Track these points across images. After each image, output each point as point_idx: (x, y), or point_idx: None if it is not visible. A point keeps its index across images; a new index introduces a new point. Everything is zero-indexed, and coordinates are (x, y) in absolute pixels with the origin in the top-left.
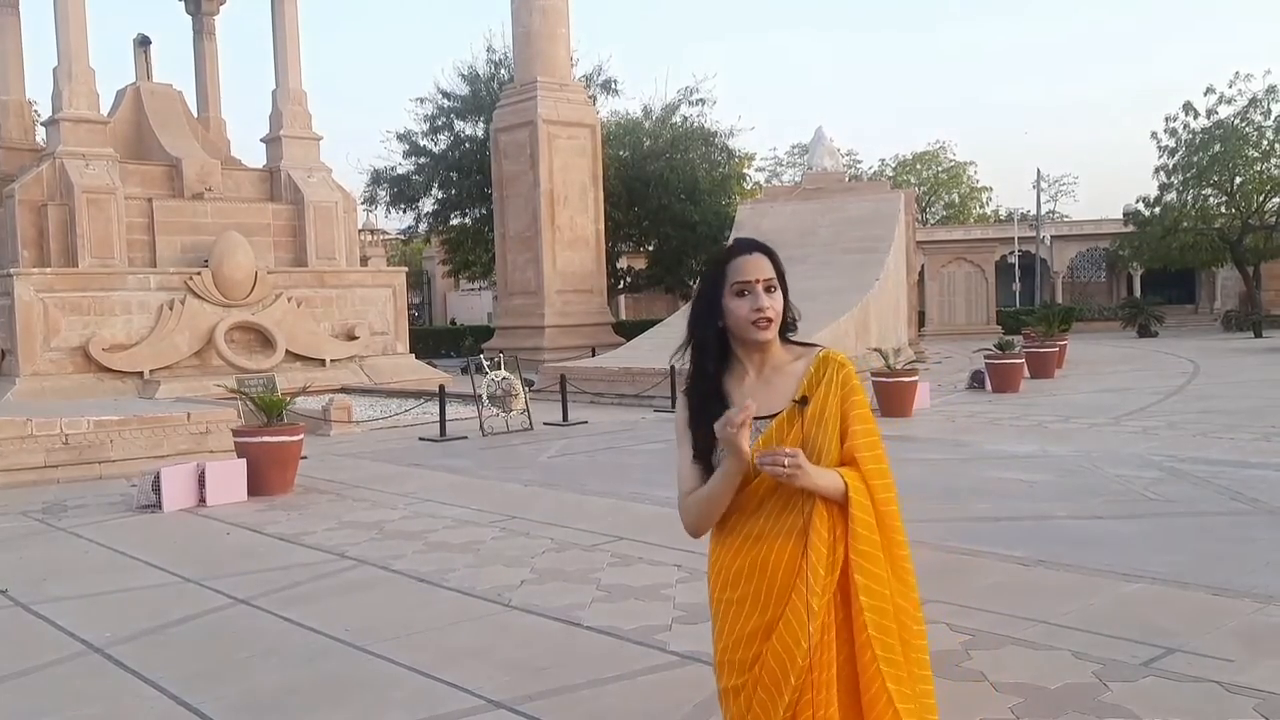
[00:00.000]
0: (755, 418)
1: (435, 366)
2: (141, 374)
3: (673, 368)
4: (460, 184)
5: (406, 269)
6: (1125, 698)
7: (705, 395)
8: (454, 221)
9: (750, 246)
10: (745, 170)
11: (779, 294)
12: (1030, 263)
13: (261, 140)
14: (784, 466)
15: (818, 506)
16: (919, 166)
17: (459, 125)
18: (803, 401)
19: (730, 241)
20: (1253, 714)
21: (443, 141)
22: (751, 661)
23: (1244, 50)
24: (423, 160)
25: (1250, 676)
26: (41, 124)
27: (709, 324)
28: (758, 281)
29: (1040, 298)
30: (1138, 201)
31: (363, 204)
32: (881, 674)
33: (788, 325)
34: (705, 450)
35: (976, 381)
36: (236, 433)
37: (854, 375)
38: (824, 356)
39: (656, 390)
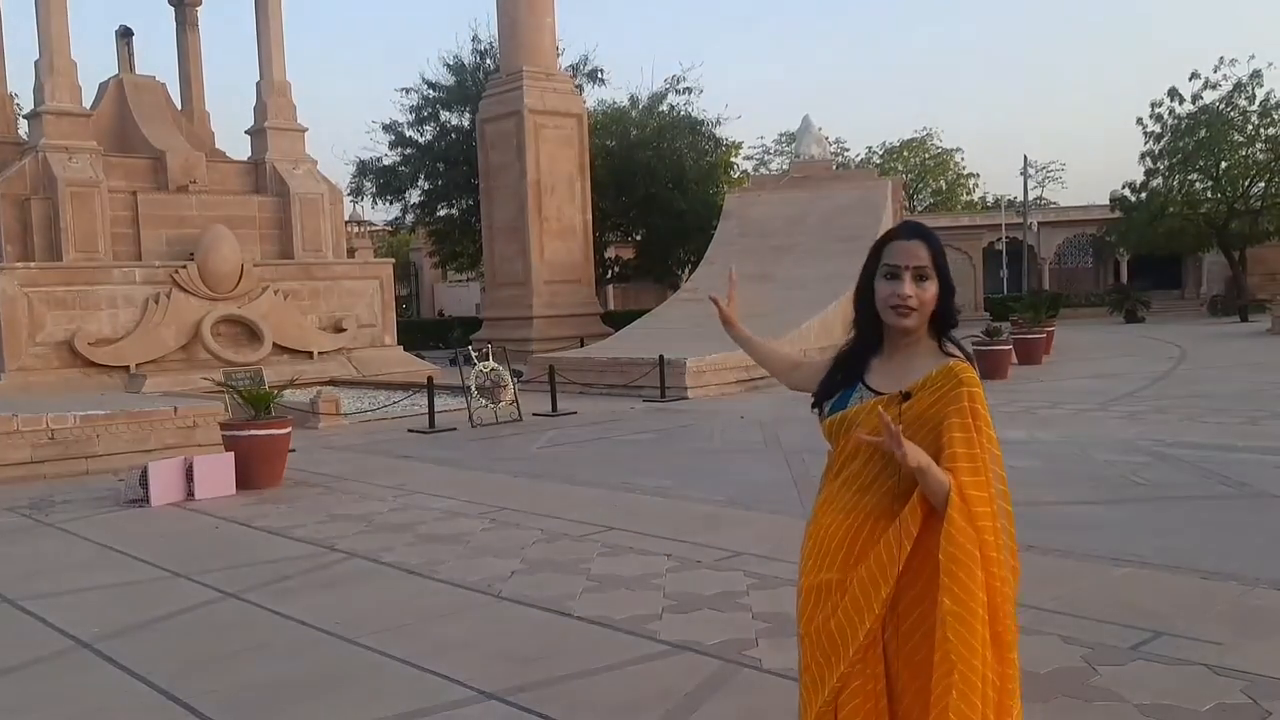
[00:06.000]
0: (872, 389)
1: (423, 358)
2: (128, 368)
3: (661, 357)
4: (447, 175)
5: (394, 261)
6: (1114, 681)
7: (845, 358)
8: (441, 212)
9: (910, 232)
10: (733, 159)
11: (931, 284)
12: (1017, 249)
13: (246, 132)
14: (887, 437)
15: (914, 500)
16: (906, 154)
17: (445, 116)
18: (905, 395)
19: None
20: (1240, 696)
21: (429, 132)
22: (821, 618)
23: (1229, 35)
24: (409, 151)
25: (1238, 659)
26: (23, 117)
27: (863, 304)
28: (907, 268)
29: (1027, 284)
30: (1124, 187)
31: (349, 195)
32: (954, 684)
33: (947, 323)
34: (821, 399)
35: None
36: (224, 426)
37: (969, 397)
38: (949, 367)
39: (645, 380)
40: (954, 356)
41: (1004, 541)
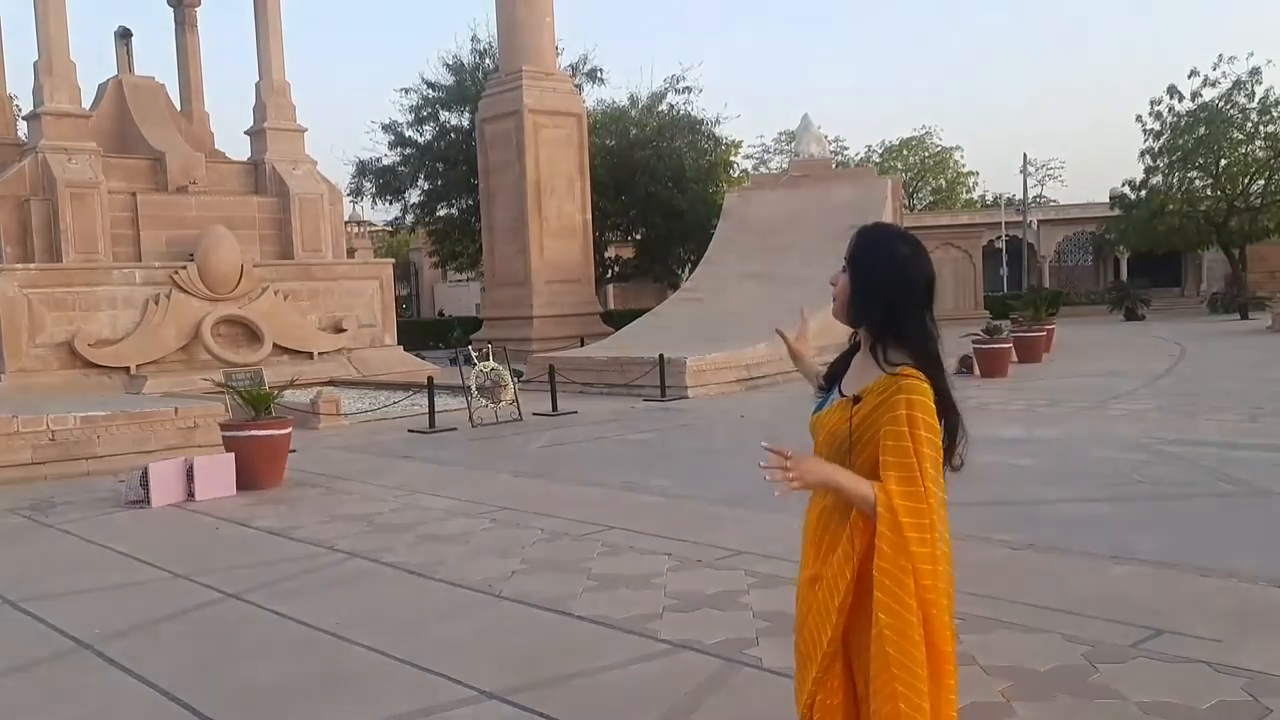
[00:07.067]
0: (843, 392)
1: (423, 358)
2: (128, 369)
3: (661, 357)
4: (446, 175)
5: (393, 261)
6: (1114, 679)
7: (837, 360)
8: (440, 212)
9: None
10: (732, 158)
11: (844, 276)
12: (1017, 248)
13: (245, 133)
14: (778, 478)
15: (853, 516)
16: (905, 152)
17: (444, 116)
18: (855, 399)
19: None
20: (1241, 693)
21: (428, 132)
22: (799, 617)
23: (1228, 32)
24: (408, 151)
25: (1238, 656)
26: (22, 119)
27: None
28: None
29: (1027, 282)
30: (1124, 185)
31: (349, 196)
32: (897, 694)
33: (885, 328)
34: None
35: (964, 367)
36: (224, 427)
37: (907, 405)
38: (893, 375)
39: (645, 380)
40: (894, 365)
41: (941, 550)
